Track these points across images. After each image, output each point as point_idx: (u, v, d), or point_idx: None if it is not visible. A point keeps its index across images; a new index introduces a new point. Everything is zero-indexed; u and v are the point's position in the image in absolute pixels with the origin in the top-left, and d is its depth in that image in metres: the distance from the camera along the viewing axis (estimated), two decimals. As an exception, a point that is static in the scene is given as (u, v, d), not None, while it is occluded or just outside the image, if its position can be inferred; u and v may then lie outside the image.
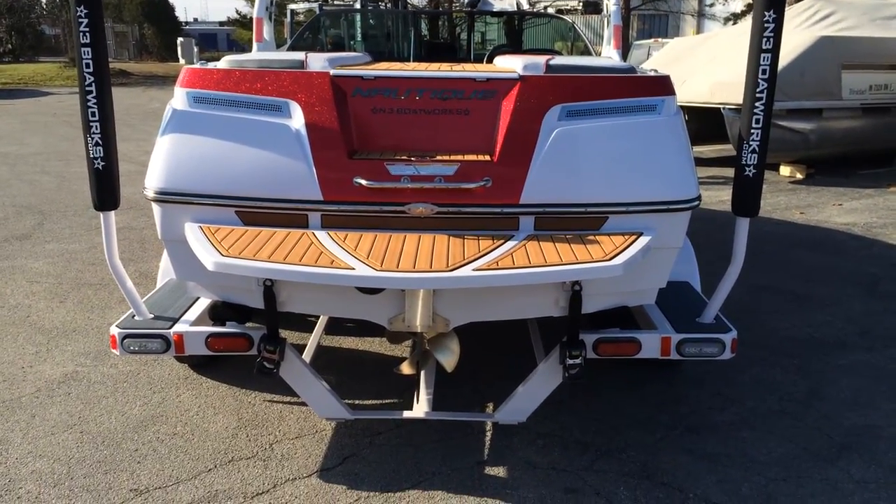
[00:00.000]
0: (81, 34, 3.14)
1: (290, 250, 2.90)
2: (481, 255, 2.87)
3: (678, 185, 3.20)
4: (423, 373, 3.79)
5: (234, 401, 4.03)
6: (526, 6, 7.66)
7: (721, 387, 4.22)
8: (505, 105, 3.24)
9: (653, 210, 3.16)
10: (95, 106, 3.20)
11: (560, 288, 3.15)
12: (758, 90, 3.21)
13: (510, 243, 3.01)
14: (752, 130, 3.25)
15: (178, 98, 3.31)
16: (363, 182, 3.08)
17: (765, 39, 3.16)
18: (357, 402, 4.01)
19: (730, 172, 3.36)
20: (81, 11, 3.12)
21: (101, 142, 3.24)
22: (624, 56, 5.48)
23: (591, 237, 3.08)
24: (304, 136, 3.16)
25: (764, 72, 3.19)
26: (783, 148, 10.40)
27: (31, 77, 31.34)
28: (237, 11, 40.66)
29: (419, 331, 3.25)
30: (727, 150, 12.08)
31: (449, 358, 3.62)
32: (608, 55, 5.74)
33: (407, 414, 3.51)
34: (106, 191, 3.30)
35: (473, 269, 2.74)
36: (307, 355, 4.02)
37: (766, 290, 5.88)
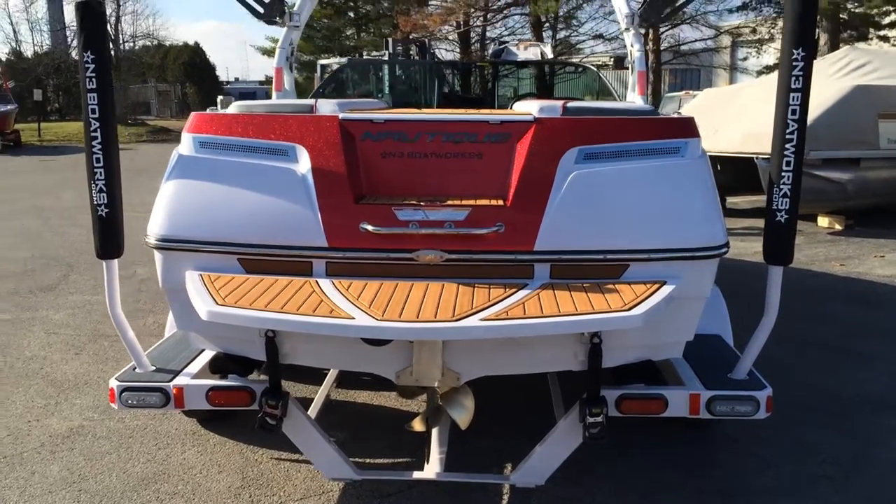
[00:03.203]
0: (87, 80, 3.09)
1: (289, 299, 2.76)
2: (491, 305, 2.70)
3: (703, 231, 3.01)
4: (436, 430, 3.60)
5: (240, 458, 3.85)
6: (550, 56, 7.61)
7: (757, 448, 3.94)
8: (519, 148, 3.10)
9: (677, 257, 2.97)
10: (100, 152, 3.13)
11: (579, 340, 2.95)
12: (788, 131, 3.04)
13: (523, 292, 2.83)
14: (783, 173, 3.07)
15: (185, 143, 3.23)
16: (370, 228, 2.95)
17: (793, 79, 2.99)
18: (368, 459, 3.81)
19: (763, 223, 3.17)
20: (88, 57, 3.07)
21: (104, 188, 3.16)
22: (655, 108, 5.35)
23: (611, 286, 2.89)
24: (310, 181, 3.05)
25: (794, 112, 3.02)
26: (820, 198, 10.12)
27: (74, 134, 32.12)
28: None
29: (429, 385, 3.07)
30: (761, 201, 11.78)
31: (463, 415, 3.43)
32: (632, 101, 5.62)
33: (417, 475, 3.31)
34: (109, 238, 3.21)
35: (480, 319, 2.57)
36: (314, 410, 3.84)
37: (805, 345, 5.58)
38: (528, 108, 3.46)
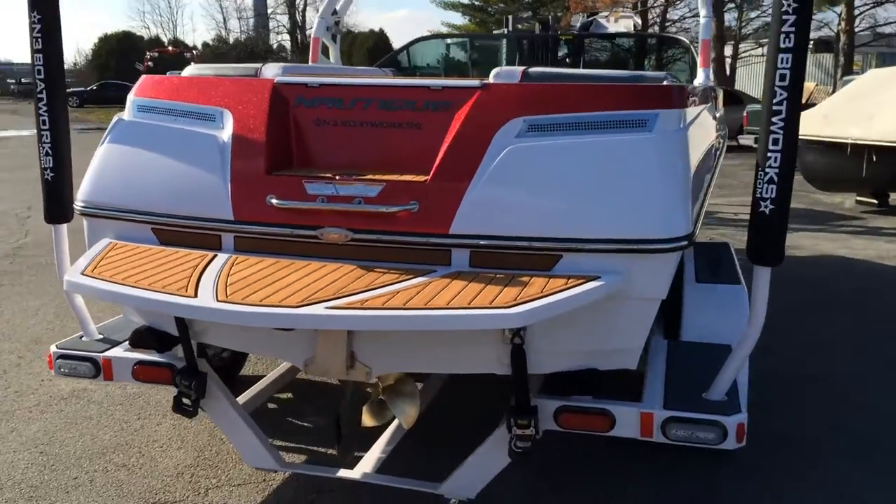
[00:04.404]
0: (34, 40, 3.02)
1: (167, 273, 2.54)
2: (361, 292, 2.34)
3: (658, 221, 2.48)
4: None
5: (207, 436, 3.72)
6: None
7: (780, 484, 3.30)
8: (457, 117, 2.70)
9: (618, 249, 2.47)
10: (46, 114, 3.07)
11: (500, 340, 2.53)
12: (775, 101, 2.44)
13: (420, 280, 2.45)
14: (769, 154, 2.47)
15: (126, 107, 3.11)
16: (274, 201, 2.67)
17: (783, 36, 2.40)
18: (319, 450, 3.55)
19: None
20: (35, 17, 3.01)
21: (50, 151, 3.10)
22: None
23: (527, 278, 2.44)
24: (228, 149, 2.82)
25: (783, 78, 2.42)
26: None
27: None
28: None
29: (336, 377, 2.77)
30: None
31: (405, 413, 3.11)
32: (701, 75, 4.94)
33: (342, 473, 3.01)
34: (55, 203, 3.14)
35: (326, 308, 2.22)
36: (251, 395, 3.60)
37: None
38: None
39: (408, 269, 2.54)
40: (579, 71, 3.08)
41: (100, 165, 2.98)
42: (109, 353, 3.14)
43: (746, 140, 14.95)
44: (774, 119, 2.45)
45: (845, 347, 4.99)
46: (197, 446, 3.62)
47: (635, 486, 3.31)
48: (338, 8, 5.20)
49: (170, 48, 35.19)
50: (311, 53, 5.17)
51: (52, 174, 3.11)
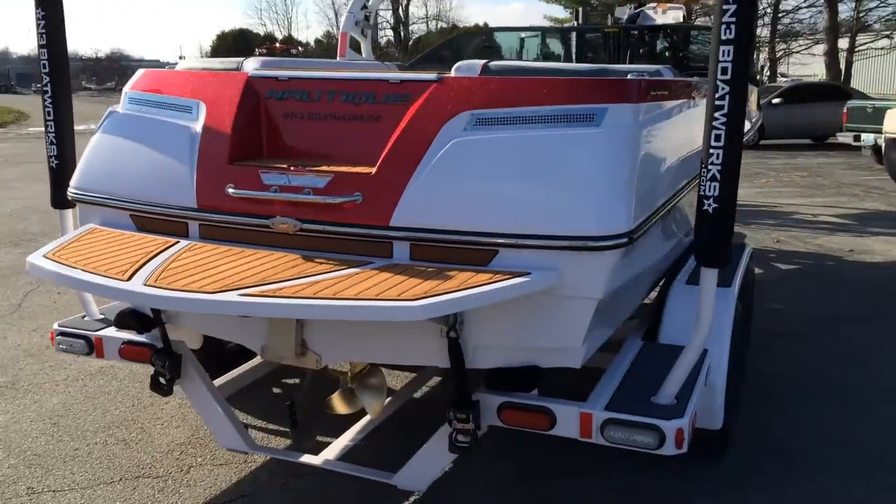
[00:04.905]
0: (39, 35, 3.23)
1: (119, 258, 2.67)
2: (285, 280, 2.38)
3: (594, 218, 2.41)
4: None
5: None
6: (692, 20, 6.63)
7: None
8: (410, 110, 2.71)
9: (551, 246, 2.42)
10: (51, 106, 3.29)
11: (438, 333, 2.54)
12: (717, 95, 2.35)
13: (349, 270, 2.47)
14: (712, 150, 2.38)
15: (121, 99, 3.28)
16: (231, 190, 2.76)
17: (724, 27, 2.31)
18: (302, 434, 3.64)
19: None
20: (39, 13, 3.22)
21: (55, 140, 3.31)
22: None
23: (454, 273, 2.43)
24: (198, 139, 2.93)
25: (724, 71, 2.32)
26: None
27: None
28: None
29: (288, 363, 2.84)
30: None
31: (372, 401, 3.17)
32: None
33: (306, 458, 3.09)
34: (60, 189, 3.35)
35: (239, 295, 2.28)
36: (230, 378, 3.69)
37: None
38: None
39: (346, 260, 2.57)
40: (543, 65, 3.02)
41: (89, 154, 3.16)
42: (101, 333, 3.32)
43: (846, 137, 14.13)
44: (717, 115, 2.35)
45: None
46: (194, 425, 3.78)
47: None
48: (368, 3, 5.26)
49: (277, 45, 36.44)
50: (338, 47, 5.27)
51: (56, 161, 3.32)
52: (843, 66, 30.23)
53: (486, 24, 54.01)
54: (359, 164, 2.77)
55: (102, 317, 3.51)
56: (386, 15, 46.30)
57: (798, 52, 36.20)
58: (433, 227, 2.53)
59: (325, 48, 50.09)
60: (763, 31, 36.17)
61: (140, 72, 3.33)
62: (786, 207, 10.08)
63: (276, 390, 4.18)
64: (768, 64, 37.50)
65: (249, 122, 2.95)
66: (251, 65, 3.20)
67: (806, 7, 34.21)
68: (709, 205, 2.41)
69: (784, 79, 36.44)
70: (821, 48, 31.16)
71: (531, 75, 2.77)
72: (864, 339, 4.99)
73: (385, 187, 2.59)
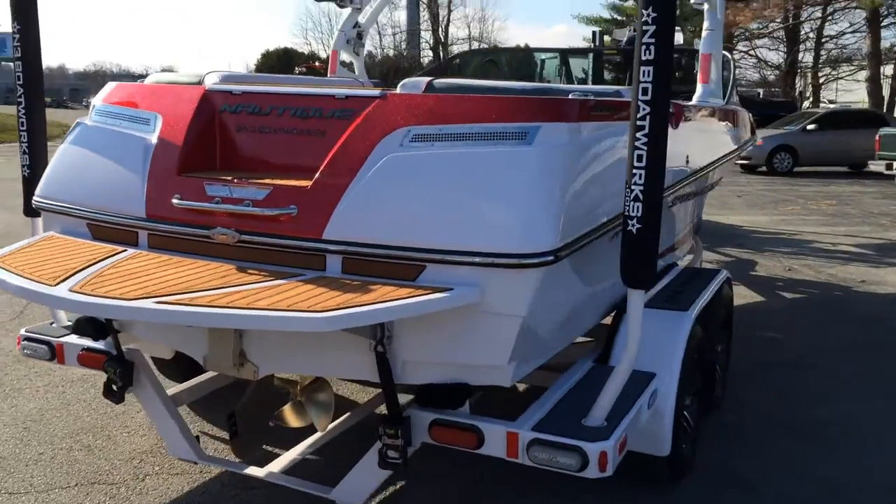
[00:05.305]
0: (14, 49, 3.34)
1: (58, 265, 2.72)
2: (206, 290, 2.41)
3: (520, 234, 2.41)
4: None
5: (175, 426, 3.92)
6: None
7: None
8: (351, 126, 2.74)
9: (476, 262, 2.42)
10: (24, 116, 3.39)
11: (367, 348, 2.55)
12: (638, 116, 2.33)
13: (276, 282, 2.49)
14: (635, 171, 2.36)
15: (89, 111, 3.36)
16: (175, 201, 2.81)
17: (644, 48, 2.30)
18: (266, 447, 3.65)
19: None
20: (15, 28, 3.33)
21: (27, 150, 3.41)
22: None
23: (377, 287, 2.43)
24: (152, 151, 3.00)
25: (645, 91, 2.31)
26: None
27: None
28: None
29: (228, 374, 2.86)
30: None
31: (320, 415, 3.17)
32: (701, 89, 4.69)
33: (249, 470, 3.10)
34: (30, 198, 3.44)
35: (154, 302, 2.30)
36: (186, 387, 3.68)
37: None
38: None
39: (278, 271, 2.59)
40: (487, 83, 3.02)
41: (53, 164, 3.24)
42: (63, 339, 3.39)
43: (878, 166, 13.83)
44: (638, 135, 2.34)
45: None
46: (159, 435, 3.82)
47: None
48: (361, 21, 5.33)
49: (316, 63, 36.96)
50: (329, 66, 5.34)
51: (28, 171, 3.41)
52: (886, 92, 29.65)
53: (526, 45, 54.11)
54: (302, 177, 2.80)
55: (69, 324, 3.58)
56: (426, 35, 46.71)
57: (841, 77, 35.69)
58: (364, 241, 2.54)
59: (367, 67, 50.68)
60: (805, 57, 35.78)
61: (109, 85, 3.41)
62: (806, 235, 9.88)
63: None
64: (811, 89, 37.03)
65: (203, 135, 3.01)
66: (211, 79, 3.26)
67: (850, 32, 33.73)
68: (633, 225, 2.38)
69: (833, 104, 35.91)
70: (864, 74, 30.68)
71: (472, 93, 2.78)
72: (852, 373, 4.86)
73: (319, 201, 2.62)
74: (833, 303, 6.60)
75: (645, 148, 2.33)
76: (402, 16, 47.30)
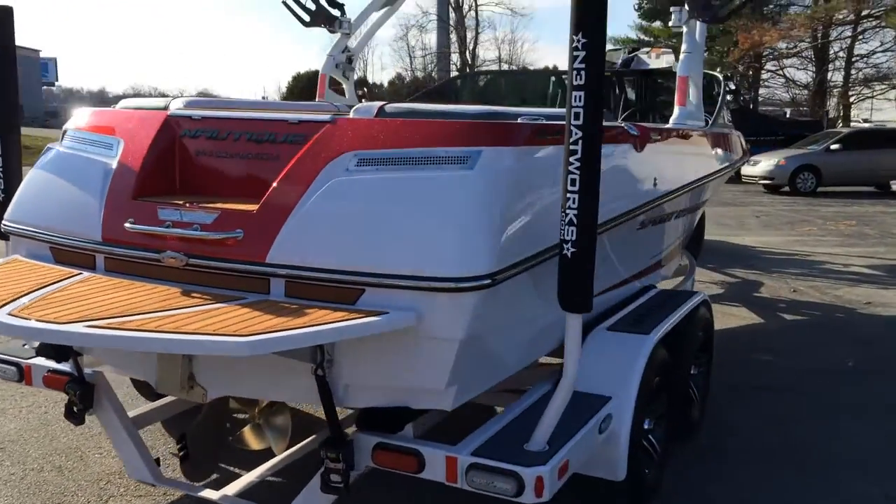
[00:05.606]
0: None
1: (10, 288, 2.75)
2: (141, 313, 2.42)
3: (455, 258, 2.40)
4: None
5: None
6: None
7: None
8: (301, 150, 2.76)
9: (411, 286, 2.41)
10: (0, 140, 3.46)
11: (308, 371, 2.54)
12: (571, 140, 2.32)
13: (216, 305, 2.50)
14: (569, 195, 2.34)
15: (60, 136, 3.42)
16: (127, 225, 2.84)
17: (575, 73, 2.29)
18: (228, 468, 3.64)
19: None
20: None
21: (2, 174, 3.48)
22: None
23: (312, 310, 2.43)
24: (111, 175, 3.04)
25: (577, 116, 2.29)
26: None
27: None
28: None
29: (178, 396, 2.87)
30: None
31: (277, 439, 3.18)
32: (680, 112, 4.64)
33: (205, 493, 3.10)
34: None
35: (85, 326, 2.31)
36: (149, 409, 3.68)
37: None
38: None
39: (222, 295, 2.60)
40: (437, 107, 3.02)
41: (22, 188, 3.30)
42: (31, 361, 3.42)
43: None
44: (571, 159, 2.32)
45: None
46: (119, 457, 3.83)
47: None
48: (351, 46, 5.37)
49: (364, 89, 37.36)
50: (318, 89, 5.39)
51: (2, 195, 3.47)
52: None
53: (555, 67, 54.25)
54: (254, 202, 2.82)
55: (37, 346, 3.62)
56: (453, 57, 47.00)
57: (873, 97, 35.20)
58: (306, 264, 2.55)
59: (396, 89, 51.10)
60: (835, 76, 35.37)
61: (80, 110, 3.47)
62: (819, 256, 9.72)
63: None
64: (841, 109, 36.55)
65: (162, 159, 3.05)
66: (175, 105, 3.30)
67: (882, 51, 33.32)
68: (567, 249, 2.36)
69: (867, 123, 35.36)
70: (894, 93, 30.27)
71: (420, 118, 2.78)
72: (842, 397, 4.76)
73: (265, 224, 2.63)
74: (834, 324, 6.47)
75: (578, 172, 2.31)
76: (431, 38, 47.70)
